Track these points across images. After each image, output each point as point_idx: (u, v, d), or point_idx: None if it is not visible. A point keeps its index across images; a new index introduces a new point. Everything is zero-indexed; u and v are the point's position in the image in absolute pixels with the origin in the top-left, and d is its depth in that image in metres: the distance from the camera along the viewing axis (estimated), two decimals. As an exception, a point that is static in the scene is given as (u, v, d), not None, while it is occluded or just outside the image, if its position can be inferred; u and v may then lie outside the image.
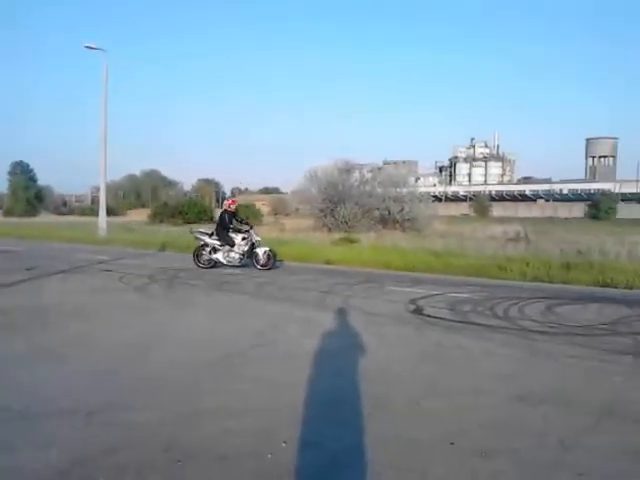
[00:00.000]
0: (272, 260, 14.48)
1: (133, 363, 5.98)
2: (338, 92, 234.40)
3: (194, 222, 44.32)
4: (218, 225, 15.16)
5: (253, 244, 14.72)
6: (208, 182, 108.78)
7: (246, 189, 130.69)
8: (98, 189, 33.08)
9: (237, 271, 14.48)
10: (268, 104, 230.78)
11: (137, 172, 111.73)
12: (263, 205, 66.68)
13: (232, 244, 14.82)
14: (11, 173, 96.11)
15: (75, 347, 6.67)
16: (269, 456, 3.70)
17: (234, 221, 15.40)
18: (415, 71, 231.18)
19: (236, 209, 15.66)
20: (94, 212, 49.41)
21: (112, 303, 9.83)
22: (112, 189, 78.86)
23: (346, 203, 31.99)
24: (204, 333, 7.53)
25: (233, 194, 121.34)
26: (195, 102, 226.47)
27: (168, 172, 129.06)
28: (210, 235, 15.16)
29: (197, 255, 15.25)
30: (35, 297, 10.30)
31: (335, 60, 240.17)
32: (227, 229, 14.90)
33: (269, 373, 5.66)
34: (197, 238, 15.47)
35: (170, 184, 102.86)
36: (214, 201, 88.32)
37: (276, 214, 58.71)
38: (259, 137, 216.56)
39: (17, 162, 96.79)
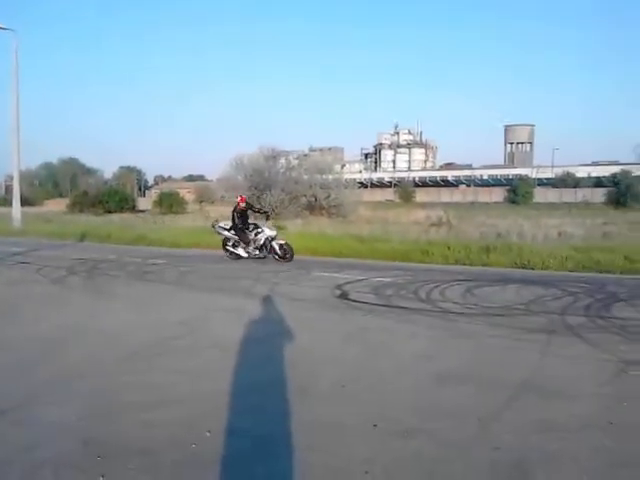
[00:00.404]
0: (290, 252, 14.13)
1: (50, 357, 5.78)
2: (264, 78, 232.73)
3: (115, 211, 43.04)
4: (232, 223, 14.67)
5: (267, 238, 14.32)
6: (130, 170, 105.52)
7: (170, 177, 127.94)
8: (12, 178, 31.54)
9: (161, 260, 14.16)
10: (192, 91, 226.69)
11: (54, 160, 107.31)
12: (188, 193, 65.44)
13: (247, 241, 14.47)
14: None
15: (-12, 343, 6.38)
16: (193, 446, 3.67)
17: (246, 216, 14.95)
18: (340, 58, 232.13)
19: (247, 204, 15.10)
20: (8, 202, 47.22)
21: (29, 296, 9.47)
22: (27, 178, 75.53)
23: (272, 190, 31.83)
24: (125, 324, 7.33)
25: (156, 182, 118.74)
26: (116, 88, 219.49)
27: (87, 160, 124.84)
28: (229, 230, 14.76)
29: (225, 246, 14.95)
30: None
31: (260, 45, 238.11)
32: (240, 228, 14.52)
33: (192, 363, 5.59)
34: (218, 233, 15.11)
35: (89, 172, 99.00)
36: (136, 189, 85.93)
37: (201, 202, 57.70)
38: (183, 124, 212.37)
39: None
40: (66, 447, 3.67)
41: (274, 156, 35.57)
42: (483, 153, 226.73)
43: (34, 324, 7.32)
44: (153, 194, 73.34)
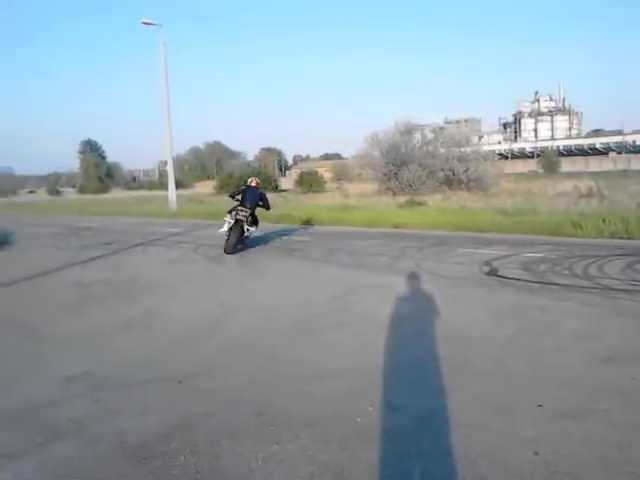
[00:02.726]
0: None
1: (213, 331, 6.15)
2: (396, 48, 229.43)
3: (259, 191, 44.73)
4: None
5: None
6: (270, 151, 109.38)
7: (307, 156, 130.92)
8: (165, 164, 33.87)
9: (306, 238, 14.62)
10: (325, 71, 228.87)
11: (200, 145, 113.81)
12: (325, 171, 66.58)
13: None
14: (81, 152, 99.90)
15: (157, 317, 6.92)
16: (358, 420, 3.76)
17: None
18: (473, 23, 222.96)
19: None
20: (163, 186, 50.54)
21: (189, 274, 10.13)
22: (178, 163, 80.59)
23: (409, 165, 31.56)
24: (279, 300, 7.66)
25: (295, 162, 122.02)
26: (253, 71, 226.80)
27: (231, 143, 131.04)
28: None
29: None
30: (115, 270, 10.74)
31: (389, 16, 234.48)
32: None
33: (347, 337, 5.72)
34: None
35: (233, 155, 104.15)
36: (277, 169, 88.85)
37: (339, 180, 58.48)
38: (318, 102, 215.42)
39: (86, 141, 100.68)
40: (240, 416, 3.91)
41: (409, 130, 35.21)
42: (633, 117, 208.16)
43: (196, 300, 7.85)
44: (293, 174, 75.40)
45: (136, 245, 14.61)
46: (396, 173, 31.98)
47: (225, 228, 12.75)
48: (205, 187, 65.08)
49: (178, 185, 34.04)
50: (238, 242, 12.57)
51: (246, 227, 12.73)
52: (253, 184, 13.43)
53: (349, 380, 4.52)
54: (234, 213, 12.69)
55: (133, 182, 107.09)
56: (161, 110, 29.95)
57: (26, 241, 17.07)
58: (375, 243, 13.23)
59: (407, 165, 31.65)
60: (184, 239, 15.65)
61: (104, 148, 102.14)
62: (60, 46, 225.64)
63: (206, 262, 11.40)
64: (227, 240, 12.49)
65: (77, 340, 6.04)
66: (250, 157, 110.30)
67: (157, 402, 4.21)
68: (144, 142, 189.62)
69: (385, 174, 32.83)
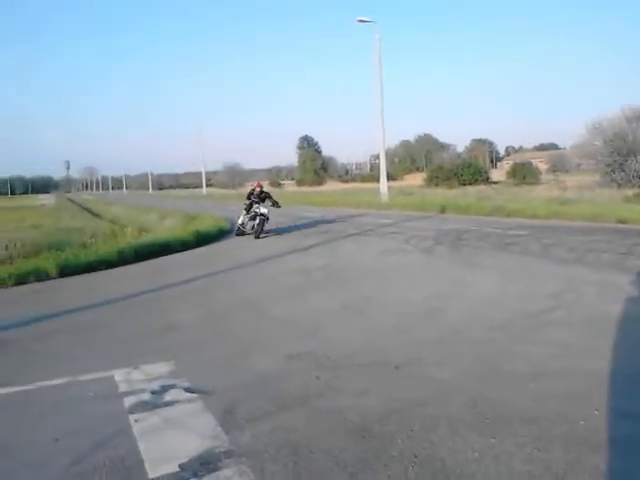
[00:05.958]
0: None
1: (428, 321, 6.26)
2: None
3: (470, 184, 44.06)
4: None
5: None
6: (481, 142, 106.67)
7: (520, 147, 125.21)
8: (376, 157, 34.73)
9: (521, 232, 14.12)
10: (544, 53, 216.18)
11: (410, 138, 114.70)
12: (540, 162, 63.25)
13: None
14: (300, 147, 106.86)
15: (373, 304, 7.22)
16: (582, 423, 3.59)
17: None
18: None
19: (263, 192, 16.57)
20: (374, 178, 51.89)
21: (402, 264, 10.36)
22: (388, 156, 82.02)
23: (638, 155, 28.72)
24: (493, 294, 7.51)
25: (507, 153, 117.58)
26: (463, 63, 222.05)
27: (441, 135, 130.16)
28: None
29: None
30: (331, 258, 11.37)
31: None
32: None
33: (569, 336, 5.46)
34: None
35: (443, 147, 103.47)
36: (488, 161, 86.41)
37: (555, 171, 55.17)
38: (532, 91, 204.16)
39: (304, 137, 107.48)
40: (456, 406, 3.93)
41: (638, 117, 31.90)
42: None
43: (411, 289, 8.03)
44: (505, 165, 72.84)
45: (351, 235, 15.28)
46: (622, 164, 29.33)
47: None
48: (414, 179, 65.58)
49: (388, 177, 34.54)
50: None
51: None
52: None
53: (571, 381, 4.33)
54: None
55: (346, 175, 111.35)
56: (374, 105, 30.75)
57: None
58: (597, 239, 12.33)
59: (635, 155, 28.85)
60: (395, 230, 15.98)
61: (320, 143, 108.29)
62: (279, 48, 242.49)
63: (419, 253, 11.54)
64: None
65: (300, 321, 6.55)
66: (460, 149, 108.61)
67: (375, 385, 4.40)
68: (356, 136, 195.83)
69: (608, 165, 30.27)
